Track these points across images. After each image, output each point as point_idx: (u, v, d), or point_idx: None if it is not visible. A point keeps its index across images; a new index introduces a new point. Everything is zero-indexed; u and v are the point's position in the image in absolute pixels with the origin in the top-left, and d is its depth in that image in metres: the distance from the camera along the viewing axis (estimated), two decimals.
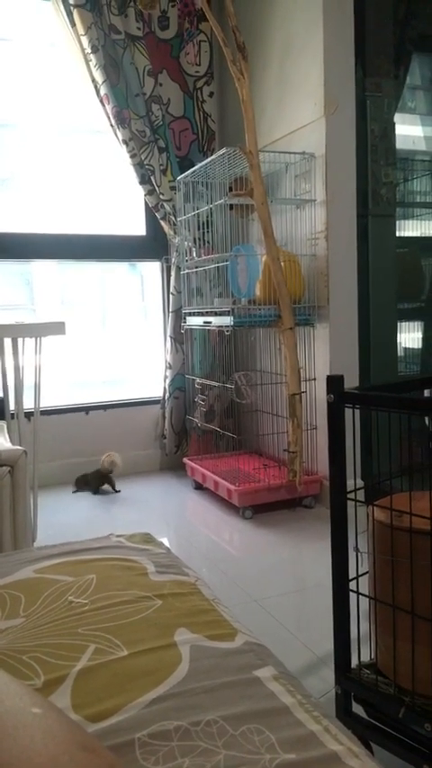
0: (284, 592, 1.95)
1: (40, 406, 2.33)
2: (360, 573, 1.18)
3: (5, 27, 3.12)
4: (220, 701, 0.72)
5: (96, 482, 3.06)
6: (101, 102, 3.00)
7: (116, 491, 3.06)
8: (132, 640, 0.84)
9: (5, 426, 2.08)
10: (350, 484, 1.16)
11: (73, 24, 2.91)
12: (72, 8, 2.87)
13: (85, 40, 2.91)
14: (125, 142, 3.04)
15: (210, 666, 0.79)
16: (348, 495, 1.15)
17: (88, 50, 2.92)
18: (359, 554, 1.17)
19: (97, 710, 0.70)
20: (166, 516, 2.75)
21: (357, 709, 1.18)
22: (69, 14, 2.90)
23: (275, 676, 0.78)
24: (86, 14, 2.88)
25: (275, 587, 1.98)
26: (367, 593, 1.17)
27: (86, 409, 3.31)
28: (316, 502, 2.71)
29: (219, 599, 1.00)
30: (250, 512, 2.61)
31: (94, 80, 2.98)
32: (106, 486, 3.07)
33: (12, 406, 2.39)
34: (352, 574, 1.17)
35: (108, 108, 2.99)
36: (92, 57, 2.92)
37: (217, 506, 2.78)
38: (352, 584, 1.17)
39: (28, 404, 2.41)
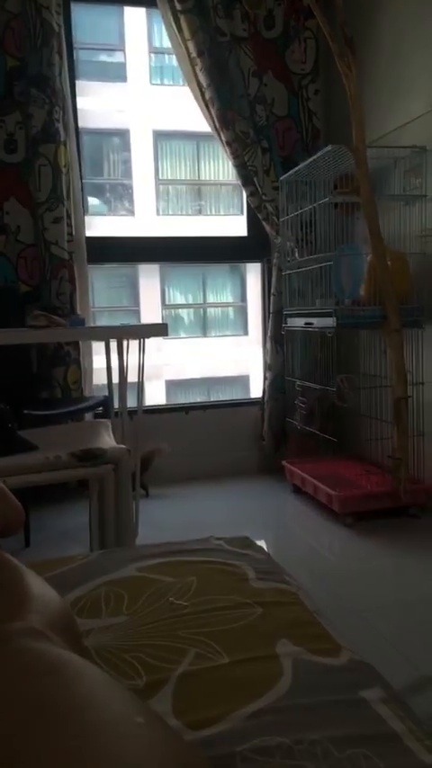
0: (388, 604, 1.86)
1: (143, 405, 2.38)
2: None
3: (117, 37, 3.22)
4: (324, 720, 0.69)
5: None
6: (206, 105, 3.03)
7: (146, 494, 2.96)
8: (233, 648, 0.82)
9: (110, 425, 2.14)
10: None
11: (180, 30, 2.95)
12: (179, 14, 2.92)
13: (191, 45, 2.94)
14: (228, 144, 3.05)
15: (313, 683, 0.75)
16: None
17: (194, 54, 2.95)
18: None
19: (198, 718, 0.69)
20: (264, 519, 2.73)
21: None
22: (177, 21, 2.95)
23: (383, 699, 0.73)
24: (193, 19, 2.91)
25: (378, 599, 1.90)
26: None
27: (186, 409, 3.36)
28: (422, 512, 2.58)
29: (321, 610, 0.96)
30: (351, 519, 2.53)
31: (199, 83, 3.01)
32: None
33: (116, 405, 2.45)
34: None
35: (213, 111, 3.01)
36: (198, 60, 2.95)
37: (316, 512, 2.72)
38: None
39: (131, 403, 2.46)
